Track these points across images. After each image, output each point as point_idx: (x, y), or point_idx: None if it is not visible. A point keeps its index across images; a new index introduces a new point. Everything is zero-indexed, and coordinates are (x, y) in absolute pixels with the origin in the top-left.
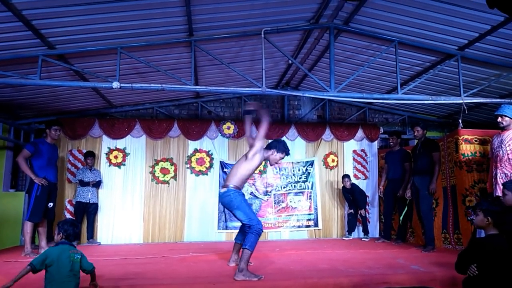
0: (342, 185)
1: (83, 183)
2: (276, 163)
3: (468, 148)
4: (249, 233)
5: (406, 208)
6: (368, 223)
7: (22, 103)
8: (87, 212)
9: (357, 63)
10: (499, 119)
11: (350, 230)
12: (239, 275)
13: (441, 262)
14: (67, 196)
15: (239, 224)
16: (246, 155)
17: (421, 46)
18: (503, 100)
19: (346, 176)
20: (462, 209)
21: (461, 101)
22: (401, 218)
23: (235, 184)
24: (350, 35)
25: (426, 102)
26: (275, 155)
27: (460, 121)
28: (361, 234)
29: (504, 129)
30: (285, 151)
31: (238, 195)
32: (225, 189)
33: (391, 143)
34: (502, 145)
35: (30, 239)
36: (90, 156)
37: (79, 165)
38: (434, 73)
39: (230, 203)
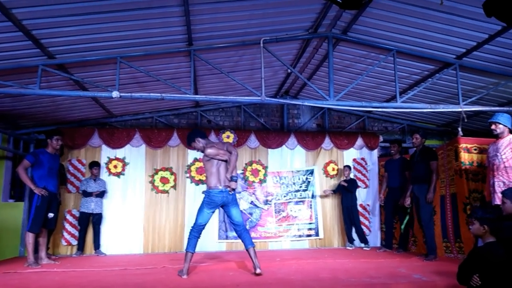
0: (341, 180)
1: (86, 194)
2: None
3: (466, 157)
4: (246, 233)
5: (407, 217)
6: (369, 231)
7: (21, 113)
8: (92, 222)
9: (356, 72)
10: (493, 126)
11: (350, 239)
12: (260, 269)
13: (444, 271)
14: (66, 206)
15: None
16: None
17: (420, 55)
18: (501, 108)
19: (347, 167)
20: (464, 218)
21: (460, 109)
22: (402, 227)
23: None
24: (348, 44)
25: (425, 110)
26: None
27: (459, 129)
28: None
29: (498, 137)
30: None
31: None
32: (233, 191)
33: (392, 151)
34: (498, 154)
35: (33, 250)
36: (96, 166)
37: (79, 175)
38: (433, 82)
39: (236, 200)
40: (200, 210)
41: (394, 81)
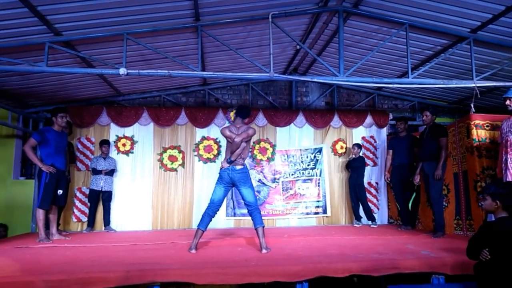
0: (349, 157)
1: (95, 171)
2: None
3: (479, 134)
4: (256, 213)
5: (414, 194)
6: (377, 209)
7: (30, 92)
8: (102, 199)
9: (366, 48)
10: (507, 101)
11: (357, 217)
12: (266, 249)
13: (451, 247)
14: (76, 183)
15: (246, 211)
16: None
17: (433, 29)
18: None
19: (356, 145)
20: (474, 195)
21: (473, 85)
22: (410, 204)
23: (245, 164)
24: (359, 18)
25: (436, 87)
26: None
27: (472, 105)
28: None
29: None
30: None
31: (249, 175)
32: (242, 167)
33: (399, 129)
34: None
35: (43, 226)
36: (105, 144)
37: (88, 153)
38: (445, 57)
39: (246, 180)
40: (214, 187)
41: (406, 57)
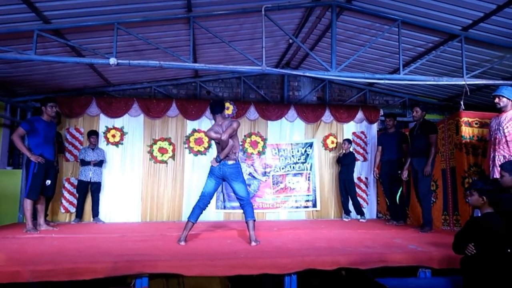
0: (340, 153)
1: (84, 162)
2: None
3: (467, 131)
4: (248, 207)
5: (401, 188)
6: (366, 204)
7: (18, 80)
8: (90, 190)
9: (359, 43)
10: (497, 99)
11: (347, 211)
12: (256, 242)
13: (439, 242)
14: (64, 174)
15: (237, 204)
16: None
17: (425, 26)
18: (505, 82)
19: (347, 140)
20: (461, 191)
21: (463, 83)
22: (397, 198)
23: (237, 159)
24: (352, 13)
25: (427, 84)
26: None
27: (462, 102)
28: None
29: (501, 110)
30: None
31: (241, 170)
32: (234, 162)
33: (388, 125)
34: (500, 128)
35: (31, 216)
36: (93, 135)
37: (77, 143)
38: (437, 54)
39: (237, 175)
40: (206, 179)
41: (398, 53)
